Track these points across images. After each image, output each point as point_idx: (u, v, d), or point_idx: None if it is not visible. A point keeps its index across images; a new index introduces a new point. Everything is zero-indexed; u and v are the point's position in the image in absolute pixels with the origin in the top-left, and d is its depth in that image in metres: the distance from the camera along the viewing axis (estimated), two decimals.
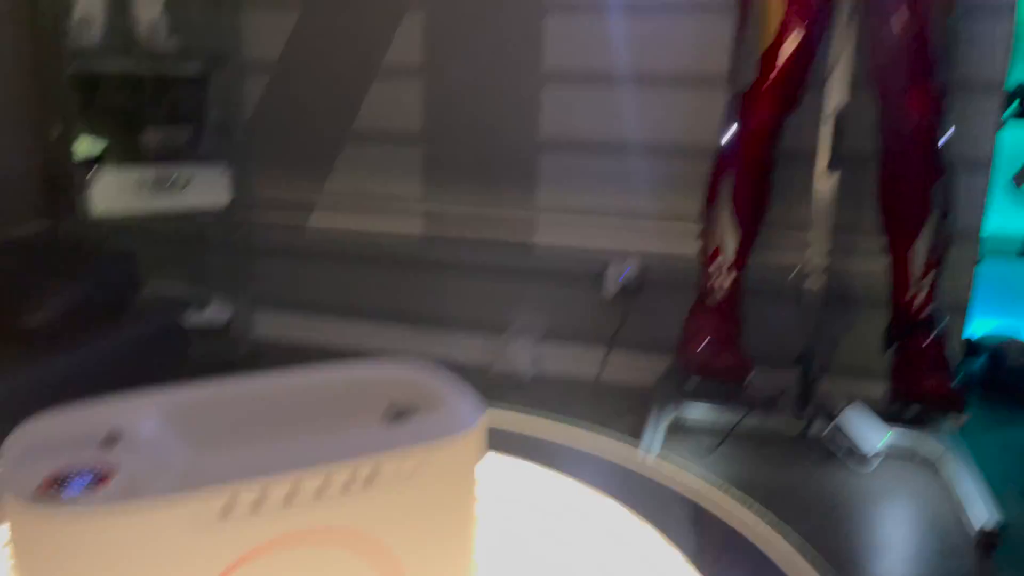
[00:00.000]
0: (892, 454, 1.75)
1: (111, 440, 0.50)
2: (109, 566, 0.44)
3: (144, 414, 0.53)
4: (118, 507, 0.43)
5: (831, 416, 1.80)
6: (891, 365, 1.79)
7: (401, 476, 0.51)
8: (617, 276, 2.06)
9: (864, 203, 1.85)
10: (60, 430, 0.51)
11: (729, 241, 1.78)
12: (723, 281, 1.78)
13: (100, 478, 0.45)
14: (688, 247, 1.93)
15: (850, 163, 1.81)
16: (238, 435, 0.56)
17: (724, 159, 1.79)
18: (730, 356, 1.75)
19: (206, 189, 2.11)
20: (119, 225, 2.00)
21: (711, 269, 1.80)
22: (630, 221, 2.09)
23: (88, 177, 1.94)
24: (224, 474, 0.46)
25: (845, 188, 1.81)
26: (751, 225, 1.78)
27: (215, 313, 2.31)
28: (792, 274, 1.84)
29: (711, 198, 1.80)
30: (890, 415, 1.81)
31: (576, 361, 2.16)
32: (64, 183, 2.01)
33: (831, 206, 1.80)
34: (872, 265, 1.87)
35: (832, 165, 1.78)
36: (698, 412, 1.88)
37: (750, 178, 1.78)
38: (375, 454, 0.50)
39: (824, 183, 1.79)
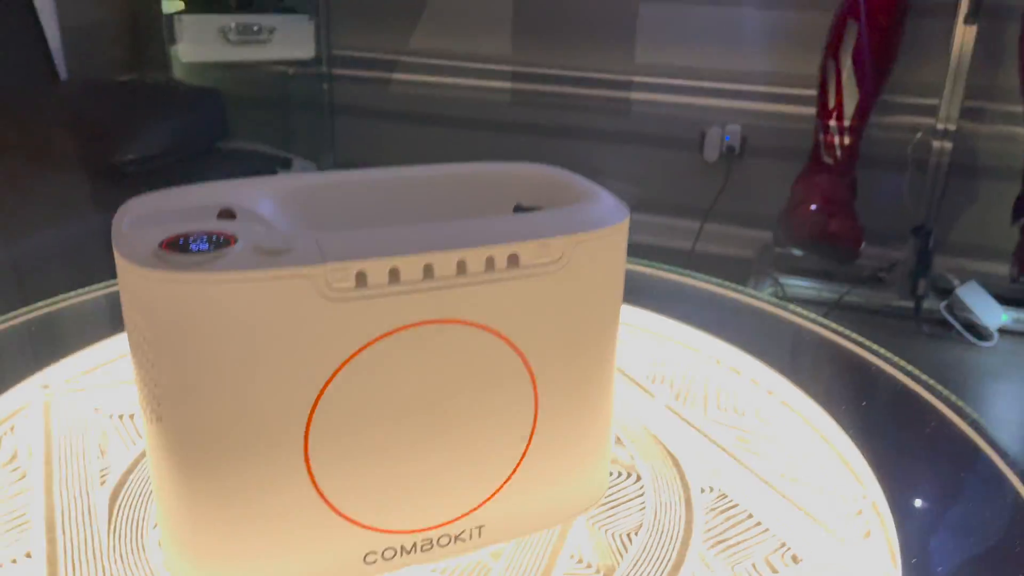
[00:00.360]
0: (1010, 333, 1.64)
1: (226, 215, 0.45)
2: (235, 334, 0.39)
3: (260, 195, 0.48)
4: (249, 272, 0.38)
5: (946, 293, 1.68)
6: (1018, 242, 1.65)
7: (542, 268, 0.44)
8: (719, 140, 1.94)
9: (1002, 63, 1.67)
10: (169, 205, 0.46)
11: (848, 97, 1.63)
12: (839, 141, 1.65)
13: (220, 245, 0.40)
14: (798, 111, 1.79)
15: (990, 17, 1.62)
16: (364, 218, 0.50)
17: (849, 5, 1.62)
18: (843, 221, 1.63)
19: (291, 40, 2.04)
20: (205, 76, 1.95)
21: (827, 127, 1.67)
22: (735, 81, 1.94)
23: (175, 26, 1.90)
24: (357, 249, 0.41)
25: (981, 45, 1.63)
26: (874, 81, 1.63)
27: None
28: (915, 139, 1.69)
29: (832, 48, 1.64)
30: (1010, 297, 1.69)
31: (670, 231, 2.07)
32: (151, 32, 1.97)
33: (966, 64, 1.63)
34: (1005, 133, 1.70)
35: (970, 18, 1.60)
36: (800, 286, 1.79)
37: (876, 27, 1.61)
38: (516, 241, 0.44)
39: (961, 38, 1.61)
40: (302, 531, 0.45)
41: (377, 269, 0.41)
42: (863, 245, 1.65)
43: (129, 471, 0.61)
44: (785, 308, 0.92)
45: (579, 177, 0.53)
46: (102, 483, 0.60)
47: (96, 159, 1.25)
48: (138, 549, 0.54)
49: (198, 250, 0.40)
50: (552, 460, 0.50)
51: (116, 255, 0.41)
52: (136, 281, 0.40)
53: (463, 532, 0.49)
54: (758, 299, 0.94)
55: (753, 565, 0.54)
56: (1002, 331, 1.64)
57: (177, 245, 0.40)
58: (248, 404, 0.41)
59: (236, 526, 0.44)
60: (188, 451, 0.42)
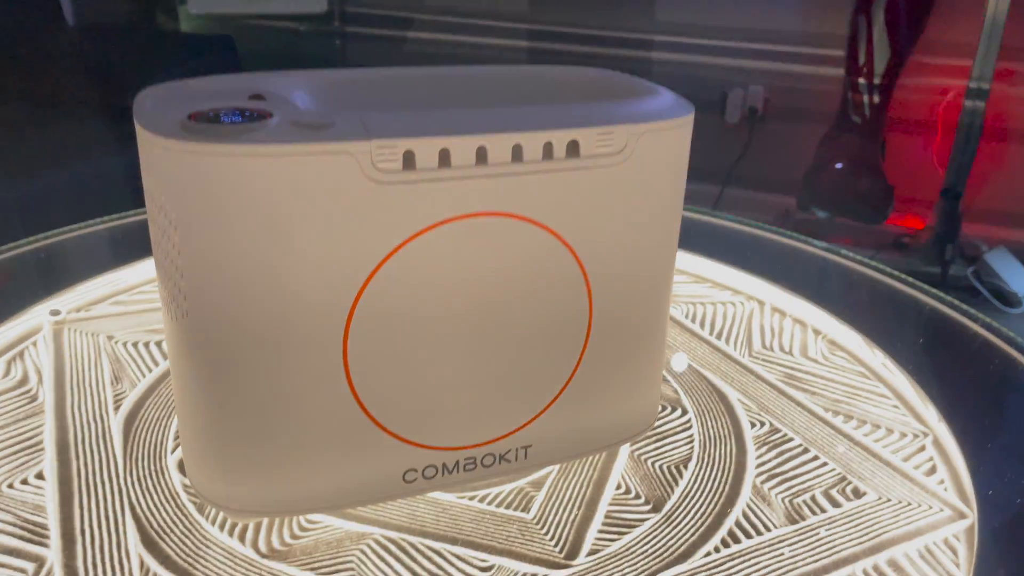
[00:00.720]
0: None
1: (257, 98, 0.41)
2: (270, 217, 0.36)
3: (294, 85, 0.44)
4: (287, 146, 0.34)
5: (973, 259, 1.64)
6: None
7: (603, 160, 0.40)
8: (741, 102, 1.89)
9: None
10: (195, 88, 0.42)
11: (880, 54, 1.58)
12: (868, 100, 1.60)
13: (254, 119, 0.36)
14: (824, 71, 1.74)
15: None
16: (409, 106, 0.46)
17: None
18: (871, 181, 1.59)
19: None
20: (213, 31, 1.91)
21: (856, 84, 1.62)
22: (758, 40, 1.89)
23: None
24: (405, 128, 0.37)
25: (1017, 5, 1.58)
26: (907, 37, 1.58)
27: None
28: (946, 100, 1.64)
29: (864, 2, 1.59)
30: None
31: (689, 196, 2.02)
32: None
33: (1000, 24, 1.58)
34: None
35: None
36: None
37: None
38: (577, 127, 0.40)
39: None
40: (338, 444, 0.41)
41: (426, 150, 0.37)
42: (892, 206, 1.61)
43: (145, 396, 0.58)
44: (830, 249, 0.88)
45: (639, 79, 0.49)
46: (116, 408, 0.57)
47: (107, 102, 1.21)
48: (157, 472, 0.51)
49: (230, 122, 0.36)
50: (604, 377, 0.47)
51: (138, 129, 0.37)
52: (161, 155, 0.36)
53: (508, 452, 0.46)
54: (797, 240, 0.90)
55: (812, 498, 0.51)
56: None
57: (207, 117, 0.36)
58: (283, 298, 0.37)
59: (266, 436, 0.40)
60: (216, 351, 0.39)
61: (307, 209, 0.36)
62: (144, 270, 0.76)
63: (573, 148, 0.40)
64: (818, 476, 0.53)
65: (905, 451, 0.56)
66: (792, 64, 1.84)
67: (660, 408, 0.59)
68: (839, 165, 1.61)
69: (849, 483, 0.52)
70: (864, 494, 0.51)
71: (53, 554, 0.44)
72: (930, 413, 0.60)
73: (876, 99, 1.60)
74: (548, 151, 0.40)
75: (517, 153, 0.39)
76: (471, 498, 0.49)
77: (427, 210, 0.38)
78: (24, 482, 0.49)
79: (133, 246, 0.80)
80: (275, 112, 0.37)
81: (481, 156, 0.38)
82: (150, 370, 0.61)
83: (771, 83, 1.87)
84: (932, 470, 0.54)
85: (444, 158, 0.37)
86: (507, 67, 0.51)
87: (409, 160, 0.37)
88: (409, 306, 0.40)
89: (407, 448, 0.43)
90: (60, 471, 0.50)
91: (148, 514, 0.47)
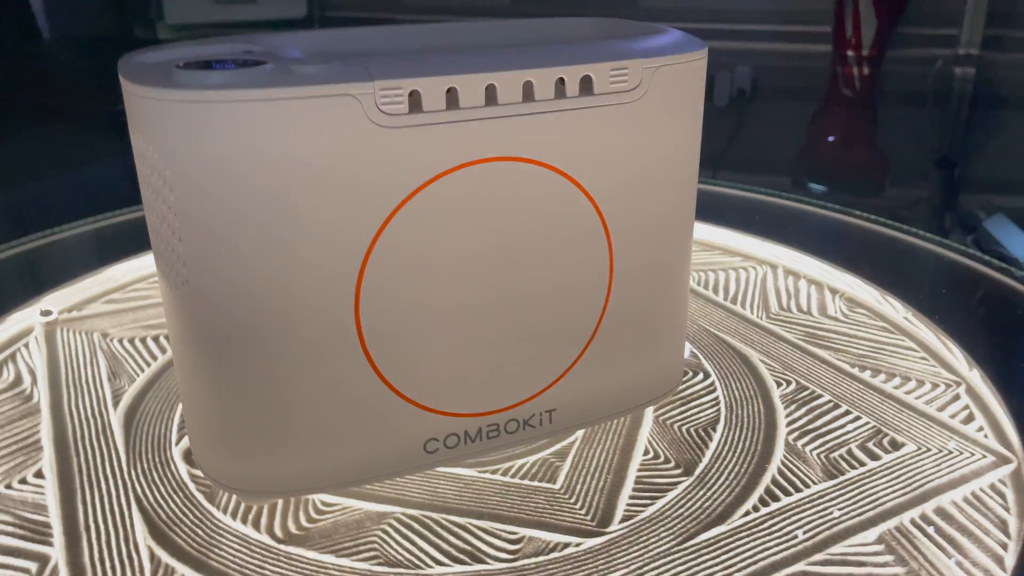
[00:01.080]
0: None
1: (248, 53, 0.39)
2: (270, 169, 0.33)
3: (287, 43, 0.42)
4: (285, 90, 0.32)
5: (972, 228, 1.63)
6: None
7: (618, 97, 0.38)
8: (728, 85, 1.88)
9: None
10: (180, 49, 0.40)
11: (866, 25, 1.57)
12: (858, 72, 1.59)
13: (248, 65, 0.34)
14: (811, 49, 1.73)
15: None
16: (413, 51, 0.44)
17: None
18: (866, 153, 1.58)
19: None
20: (195, 37, 1.88)
21: (845, 57, 1.60)
22: (742, 21, 1.88)
23: None
24: (409, 68, 0.35)
25: None
26: (892, 9, 1.57)
27: None
28: (935, 69, 1.63)
29: None
30: None
31: None
32: None
33: None
34: None
35: None
36: None
37: None
38: (590, 62, 0.38)
39: None
40: (354, 414, 0.39)
41: (433, 89, 0.35)
42: (888, 177, 1.59)
43: (145, 391, 0.55)
44: (840, 210, 0.86)
45: (648, 23, 0.47)
46: (115, 404, 0.54)
47: (90, 110, 1.19)
48: (161, 464, 0.48)
49: (223, 69, 0.33)
50: (628, 332, 0.44)
51: (125, 84, 0.35)
52: (151, 108, 0.34)
53: (532, 416, 0.43)
54: (804, 203, 0.88)
55: (849, 452, 0.49)
56: None
57: (198, 66, 0.34)
58: (289, 258, 0.35)
59: (278, 410, 0.38)
60: (219, 319, 0.36)
61: (310, 159, 0.34)
62: (135, 267, 0.73)
63: (586, 85, 0.38)
64: (852, 431, 0.51)
65: (939, 401, 0.54)
66: (779, 43, 1.83)
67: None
68: (832, 139, 1.60)
69: (885, 435, 0.50)
70: (902, 445, 0.49)
71: (57, 552, 0.42)
72: (959, 363, 0.58)
73: (865, 71, 1.59)
74: (560, 89, 0.37)
75: (528, 91, 0.37)
76: (493, 471, 0.47)
77: (436, 157, 0.36)
78: (23, 481, 0.47)
79: (122, 244, 0.78)
80: (272, 60, 0.35)
81: (491, 95, 0.36)
82: (148, 364, 0.59)
83: (758, 63, 1.85)
84: (970, 418, 0.52)
85: (452, 98, 0.35)
86: (510, 20, 0.49)
87: (415, 101, 0.35)
88: (423, 261, 0.37)
89: (427, 416, 0.40)
90: (60, 468, 0.48)
91: (156, 506, 0.45)
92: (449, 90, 0.35)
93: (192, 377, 0.39)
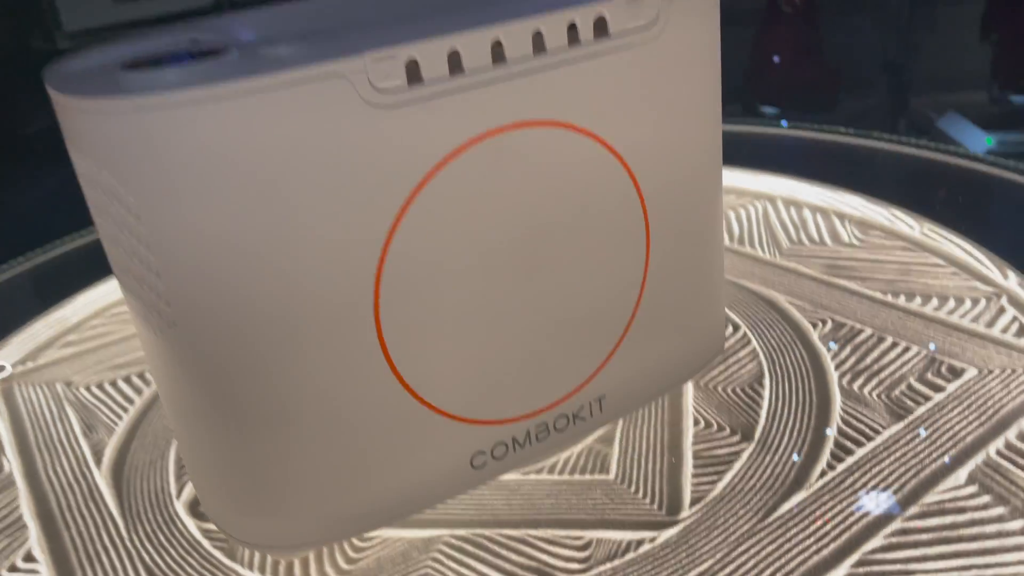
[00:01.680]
0: (998, 155, 1.58)
1: (196, 42, 0.33)
2: (256, 176, 0.28)
3: (238, 25, 0.36)
4: (258, 79, 0.26)
5: (927, 130, 1.62)
6: (992, 57, 1.59)
7: (635, 37, 0.33)
8: None
9: None
10: (119, 49, 0.33)
11: None
12: None
13: (207, 54, 0.28)
14: None
15: None
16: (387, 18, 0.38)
17: None
18: (815, 67, 1.54)
19: None
20: (95, 40, 1.76)
21: None
22: None
23: None
24: (404, 34, 0.29)
25: None
26: None
27: None
28: None
29: None
30: (991, 121, 1.63)
31: None
32: (29, 5, 1.76)
33: None
34: None
35: None
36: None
37: None
38: (601, 2, 0.33)
39: None
40: (387, 439, 0.34)
41: (432, 55, 0.29)
42: (839, 89, 1.57)
43: (128, 440, 0.49)
44: (824, 128, 0.82)
45: None
46: (98, 461, 0.48)
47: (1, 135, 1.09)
48: (165, 522, 0.42)
49: (179, 66, 0.27)
50: (671, 299, 0.40)
51: (56, 97, 0.29)
52: (97, 124, 0.27)
53: (582, 408, 0.39)
54: (770, 126, 0.84)
55: (909, 387, 0.45)
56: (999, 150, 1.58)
57: (145, 65, 0.28)
58: (292, 277, 0.30)
59: (300, 448, 0.33)
60: (222, 359, 0.31)
61: (301, 158, 0.28)
62: (86, 301, 0.66)
63: (601, 26, 0.33)
64: (906, 363, 0.47)
65: (985, 317, 0.50)
66: None
67: None
68: (777, 59, 1.57)
69: (942, 363, 0.47)
70: (963, 371, 0.46)
71: None
72: (993, 272, 0.55)
73: None
74: (574, 34, 0.32)
75: (538, 42, 0.31)
76: (539, 471, 0.42)
77: (444, 134, 0.30)
78: (13, 569, 0.41)
79: (65, 279, 0.70)
80: (228, 47, 0.29)
81: (497, 53, 0.31)
82: (125, 410, 0.52)
83: None
84: (1022, 330, 0.49)
85: (455, 63, 0.30)
86: None
87: (414, 72, 0.29)
88: (445, 257, 0.32)
89: (470, 428, 0.36)
90: (51, 547, 0.42)
91: (169, 573, 0.39)
92: (451, 53, 0.29)
93: (194, 424, 0.34)
